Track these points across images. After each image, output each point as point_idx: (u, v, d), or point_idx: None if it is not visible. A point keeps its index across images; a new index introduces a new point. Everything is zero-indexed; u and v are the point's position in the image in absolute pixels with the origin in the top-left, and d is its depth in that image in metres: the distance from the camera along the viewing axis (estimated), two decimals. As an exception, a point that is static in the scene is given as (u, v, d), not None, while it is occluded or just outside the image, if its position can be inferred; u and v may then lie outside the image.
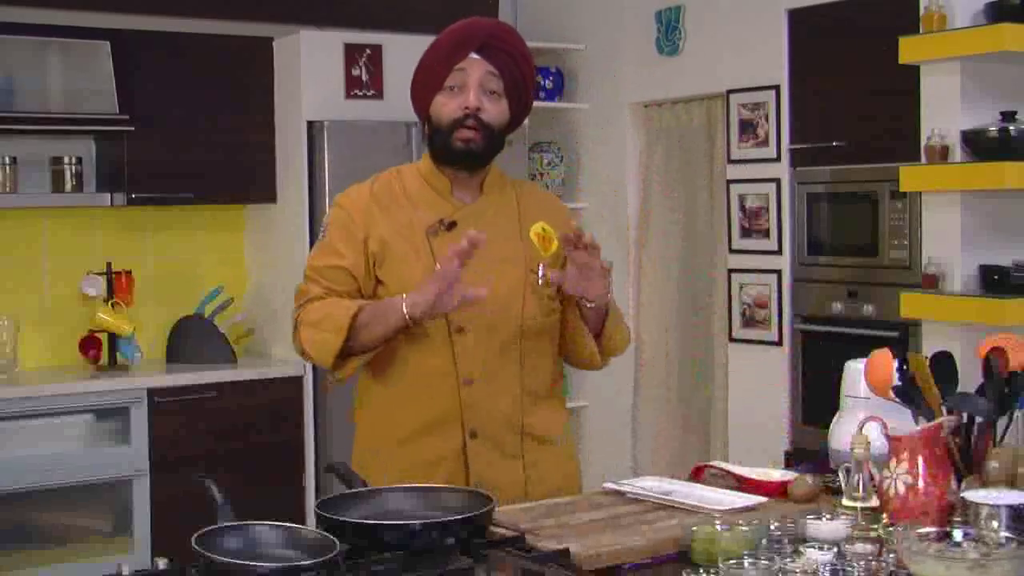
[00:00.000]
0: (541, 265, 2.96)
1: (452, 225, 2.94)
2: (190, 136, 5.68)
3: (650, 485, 2.80)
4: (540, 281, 2.95)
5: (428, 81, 2.98)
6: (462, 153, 2.94)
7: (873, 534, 2.26)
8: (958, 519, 2.26)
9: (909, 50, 4.53)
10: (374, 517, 2.40)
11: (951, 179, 4.48)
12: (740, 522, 2.32)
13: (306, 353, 2.96)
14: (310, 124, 5.68)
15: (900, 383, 2.60)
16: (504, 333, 2.94)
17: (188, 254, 6.08)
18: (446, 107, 2.94)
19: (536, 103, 6.14)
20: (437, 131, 2.97)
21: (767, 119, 5.35)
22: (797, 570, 2.08)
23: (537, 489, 2.93)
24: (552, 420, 3.05)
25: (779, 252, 5.32)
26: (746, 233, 5.47)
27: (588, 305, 2.93)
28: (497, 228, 2.96)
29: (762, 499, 2.71)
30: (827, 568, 2.09)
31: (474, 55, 2.93)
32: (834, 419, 2.91)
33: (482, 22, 3.02)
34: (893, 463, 2.40)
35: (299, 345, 2.97)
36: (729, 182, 5.55)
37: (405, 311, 2.80)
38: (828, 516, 2.34)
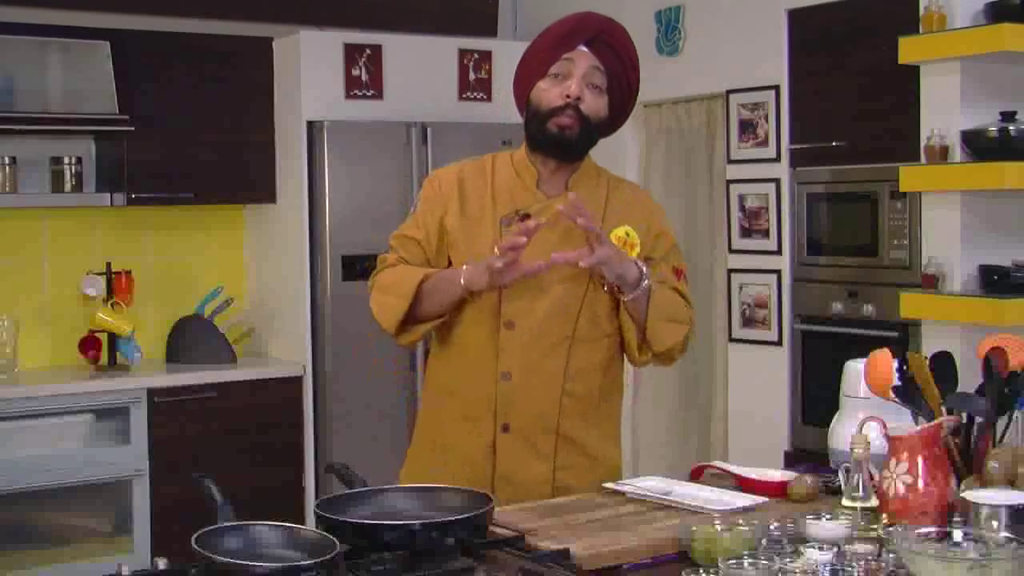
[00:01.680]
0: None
1: (526, 217, 2.90)
2: (190, 136, 5.68)
3: (650, 485, 2.80)
4: (606, 288, 2.94)
5: (533, 67, 2.99)
6: (556, 139, 2.94)
7: (873, 534, 2.26)
8: (958, 519, 2.26)
9: (909, 50, 4.53)
10: (374, 517, 2.40)
11: (951, 179, 4.48)
12: (740, 522, 2.32)
13: (375, 317, 3.01)
14: (310, 124, 5.68)
15: (900, 383, 2.60)
16: (554, 334, 2.92)
17: (188, 254, 6.08)
18: (548, 93, 2.94)
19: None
20: (535, 116, 2.96)
21: (767, 119, 5.35)
22: (797, 570, 2.08)
23: (563, 493, 2.91)
24: (598, 433, 3.02)
25: (779, 252, 5.32)
26: (746, 233, 5.47)
27: (622, 296, 2.91)
28: (573, 225, 2.90)
29: (762, 499, 2.71)
30: (827, 568, 2.09)
31: (583, 47, 2.93)
32: (834, 419, 2.91)
33: (596, 16, 3.01)
34: (893, 463, 2.40)
35: (372, 308, 3.03)
36: (729, 182, 5.55)
37: (462, 281, 2.85)
38: (828, 516, 2.34)
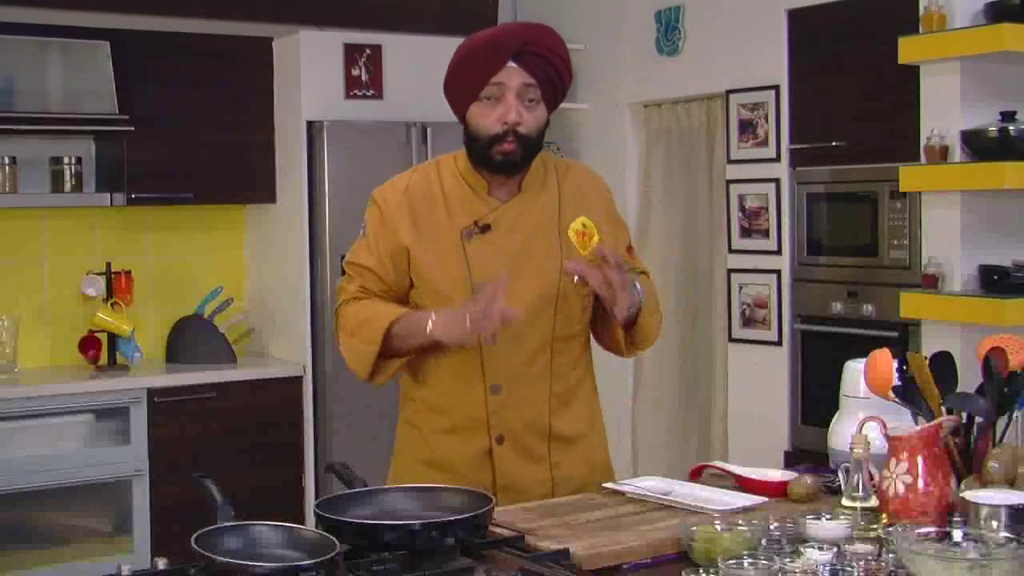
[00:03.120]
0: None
1: (487, 228, 2.90)
2: (190, 136, 5.68)
3: (650, 485, 2.80)
4: (576, 281, 2.90)
5: (462, 89, 2.90)
6: (501, 164, 2.89)
7: (872, 534, 2.26)
8: (958, 519, 2.26)
9: (909, 50, 4.53)
10: (374, 517, 2.40)
11: (951, 179, 4.48)
12: (740, 522, 2.32)
13: (347, 363, 2.97)
14: (310, 124, 5.68)
15: (900, 383, 2.60)
16: (535, 341, 2.91)
17: (188, 254, 6.08)
18: (484, 119, 2.87)
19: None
20: (475, 141, 2.90)
21: (767, 119, 5.35)
22: (797, 570, 2.08)
23: (563, 488, 2.93)
24: (580, 417, 3.03)
25: (779, 252, 5.32)
26: (746, 233, 5.47)
27: (615, 315, 2.89)
28: (534, 226, 2.92)
29: (762, 499, 2.71)
30: (827, 568, 2.09)
31: (511, 64, 2.84)
32: (834, 419, 2.91)
33: (514, 29, 2.93)
34: (893, 463, 2.40)
35: (341, 352, 2.98)
36: (729, 182, 5.55)
37: (429, 329, 2.79)
38: (828, 516, 2.34)
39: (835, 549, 2.16)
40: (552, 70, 2.88)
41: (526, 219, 2.93)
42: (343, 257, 5.54)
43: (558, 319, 2.93)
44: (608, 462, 3.12)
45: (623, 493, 2.78)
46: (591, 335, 3.09)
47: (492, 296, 2.69)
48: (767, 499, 2.71)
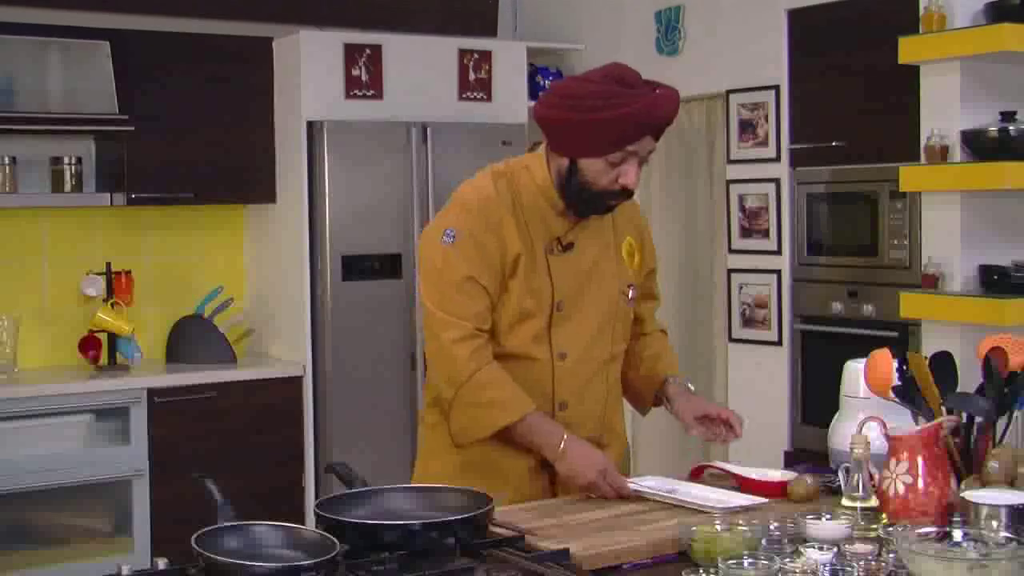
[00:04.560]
0: (631, 287, 3.03)
1: (570, 246, 2.93)
2: (190, 136, 5.68)
3: (653, 484, 2.80)
4: (630, 302, 3.02)
5: (586, 143, 2.81)
6: (603, 211, 2.93)
7: (873, 534, 2.26)
8: (958, 519, 2.26)
9: (909, 50, 4.53)
10: (374, 517, 2.40)
11: (951, 179, 4.48)
12: (740, 522, 2.32)
13: (462, 428, 2.89)
14: (310, 124, 5.68)
15: (900, 383, 2.60)
16: (598, 359, 2.99)
17: (188, 254, 6.08)
18: (602, 177, 2.82)
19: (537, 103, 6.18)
20: (582, 187, 2.84)
21: (767, 119, 5.35)
22: (797, 570, 2.08)
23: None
24: (614, 429, 3.12)
25: (779, 252, 5.32)
26: (746, 233, 5.47)
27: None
28: (601, 245, 2.99)
29: (764, 500, 2.71)
30: (827, 568, 2.09)
31: (649, 137, 2.82)
32: (834, 419, 2.92)
33: (671, 107, 2.82)
34: (893, 463, 2.41)
35: (460, 417, 2.88)
36: (729, 182, 5.55)
37: (556, 456, 2.82)
38: (828, 516, 2.34)
39: (835, 549, 2.16)
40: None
41: (596, 238, 2.98)
42: (344, 257, 5.61)
43: (614, 339, 3.02)
44: (626, 457, 3.21)
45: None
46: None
47: (621, 489, 2.77)
48: (768, 500, 2.72)
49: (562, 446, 2.82)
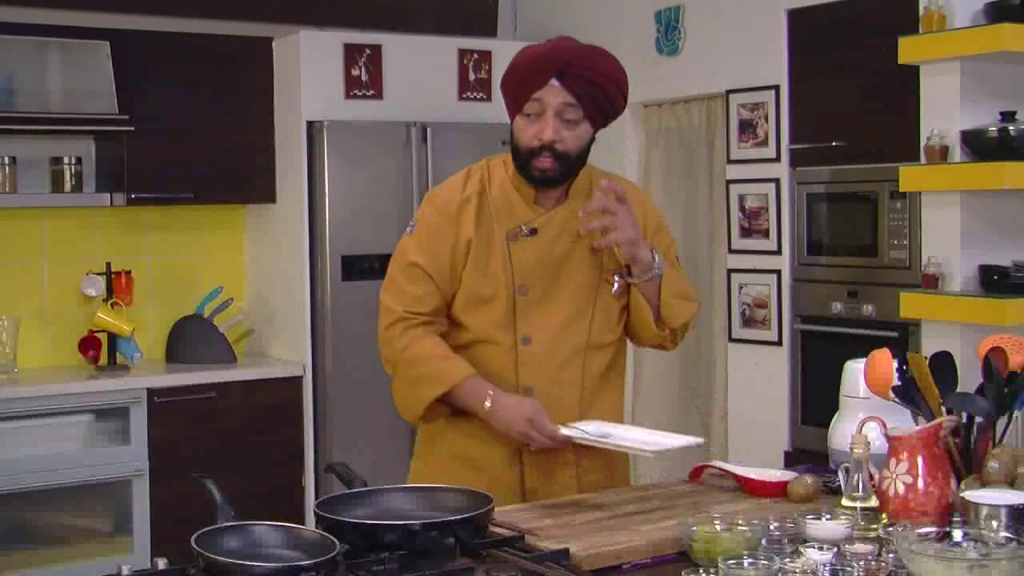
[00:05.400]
0: (618, 275, 2.98)
1: (534, 232, 2.95)
2: (190, 136, 5.68)
3: (589, 429, 2.82)
4: (615, 290, 2.99)
5: (509, 99, 2.95)
6: (538, 179, 2.94)
7: (873, 534, 2.27)
8: (957, 519, 2.26)
9: (909, 50, 4.53)
10: (374, 517, 2.40)
11: (951, 179, 4.48)
12: (740, 522, 2.32)
13: (397, 404, 3.00)
14: (310, 124, 5.68)
15: (900, 383, 2.60)
16: (569, 347, 2.97)
17: (188, 254, 6.08)
18: (524, 133, 2.92)
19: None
20: (516, 153, 2.95)
21: (767, 119, 5.35)
22: (797, 570, 2.08)
23: (588, 492, 2.93)
24: (608, 417, 3.05)
25: (779, 252, 5.32)
26: (746, 233, 5.47)
27: (634, 280, 2.95)
28: (576, 232, 2.96)
29: (696, 440, 2.78)
30: (827, 568, 2.09)
31: (553, 82, 2.86)
32: (834, 419, 2.92)
33: (562, 47, 2.91)
34: (893, 463, 2.41)
35: (394, 394, 3.00)
36: (729, 182, 5.55)
37: (484, 413, 2.86)
38: (828, 516, 2.34)
39: (835, 549, 2.17)
40: (597, 91, 2.89)
41: (570, 228, 2.97)
42: (344, 257, 5.61)
43: (594, 327, 2.99)
44: (627, 470, 3.16)
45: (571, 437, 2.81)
46: (627, 343, 3.14)
47: (553, 437, 2.78)
48: (701, 440, 2.80)
49: (488, 403, 2.84)
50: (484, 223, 2.97)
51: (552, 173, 2.92)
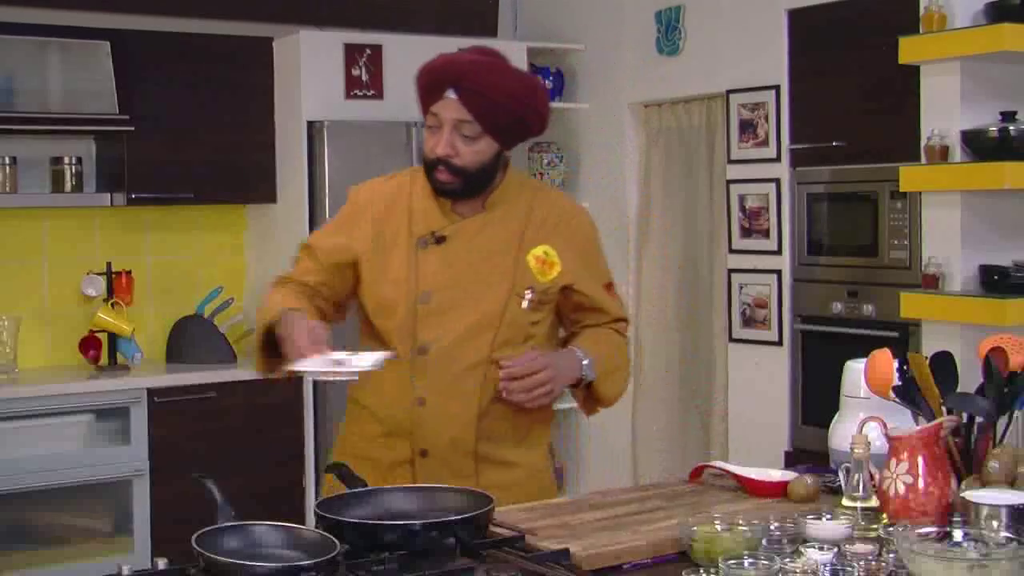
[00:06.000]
0: (530, 290, 2.91)
1: (442, 239, 2.91)
2: (190, 136, 5.68)
3: (314, 361, 2.72)
4: (525, 305, 2.91)
5: (419, 108, 2.96)
6: (439, 192, 2.91)
7: (873, 534, 2.27)
8: (958, 519, 2.26)
9: (909, 50, 4.53)
10: (374, 517, 2.40)
11: (951, 179, 4.48)
12: (740, 522, 2.32)
13: None
14: (310, 124, 5.68)
15: (900, 383, 2.60)
16: (467, 360, 2.87)
17: (188, 254, 6.08)
18: (426, 144, 2.91)
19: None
20: (422, 162, 2.94)
21: (767, 119, 5.35)
22: (797, 570, 2.08)
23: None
24: (519, 441, 2.96)
25: (779, 252, 5.32)
26: (746, 233, 5.47)
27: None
28: (491, 246, 2.91)
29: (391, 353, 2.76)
30: (827, 568, 2.09)
31: (451, 95, 2.83)
32: (834, 419, 2.91)
33: (459, 62, 2.88)
34: (893, 463, 2.41)
35: None
36: (729, 182, 5.55)
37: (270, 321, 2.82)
38: (828, 516, 2.34)
39: (835, 549, 2.16)
40: (497, 109, 2.82)
41: (484, 237, 2.92)
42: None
43: (498, 341, 2.89)
44: (551, 489, 3.04)
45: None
46: None
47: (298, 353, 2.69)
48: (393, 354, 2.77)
49: (276, 323, 2.79)
50: (394, 227, 2.93)
51: (451, 186, 2.88)
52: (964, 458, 2.51)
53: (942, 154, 4.48)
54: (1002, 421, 2.56)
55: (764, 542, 2.22)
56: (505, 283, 2.90)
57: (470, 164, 2.85)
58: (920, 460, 2.38)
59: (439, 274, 2.89)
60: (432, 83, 2.87)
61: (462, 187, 2.89)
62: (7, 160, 5.45)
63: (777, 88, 5.30)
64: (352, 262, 2.96)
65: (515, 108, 2.85)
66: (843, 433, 2.73)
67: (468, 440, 2.90)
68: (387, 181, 3.04)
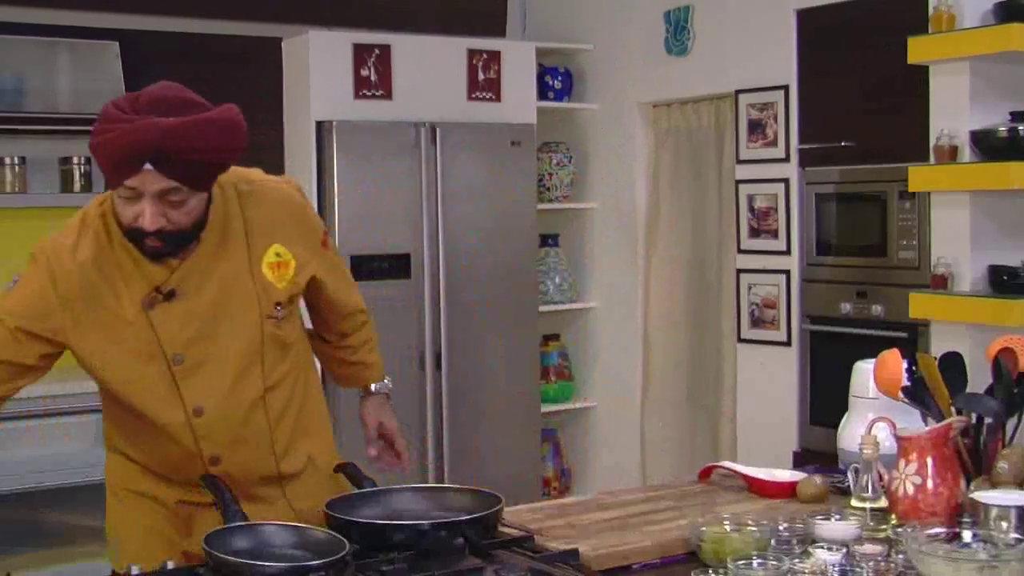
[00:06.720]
0: (278, 306, 2.70)
1: (171, 294, 2.59)
2: (198, 136, 5.68)
3: None
4: (279, 316, 2.70)
5: (103, 170, 2.50)
6: (153, 257, 2.57)
7: (882, 535, 2.26)
8: (967, 520, 2.26)
9: (918, 50, 4.52)
10: (383, 517, 2.41)
11: (960, 179, 4.47)
12: (749, 522, 2.32)
13: None
14: (319, 124, 5.68)
15: (909, 384, 2.60)
16: (246, 402, 2.68)
17: (196, 254, 6.08)
18: (123, 211, 2.51)
19: (545, 103, 6.19)
20: (120, 227, 2.55)
21: (776, 119, 5.34)
22: (806, 570, 2.08)
23: (310, 516, 2.64)
24: (309, 443, 2.88)
25: (788, 252, 5.32)
26: (755, 233, 5.46)
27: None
28: (224, 278, 2.65)
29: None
30: (836, 568, 2.09)
31: (148, 166, 2.42)
32: (843, 419, 2.91)
33: (150, 133, 2.40)
34: (902, 464, 2.40)
35: None
36: (738, 182, 5.55)
37: None
38: (837, 516, 2.34)
39: (844, 549, 2.16)
40: (199, 167, 2.49)
41: (213, 273, 2.64)
42: (353, 257, 5.61)
43: (267, 368, 2.70)
44: (333, 456, 2.95)
45: None
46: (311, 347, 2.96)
47: None
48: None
49: None
50: (106, 292, 2.59)
51: (166, 250, 2.55)
52: (973, 459, 2.51)
53: (951, 154, 4.47)
54: (1011, 422, 2.56)
55: (773, 542, 2.22)
56: (252, 312, 2.67)
57: (185, 224, 2.53)
58: (929, 461, 2.38)
59: (182, 329, 2.60)
60: (123, 160, 2.42)
61: (178, 246, 2.57)
62: (16, 160, 5.45)
63: (786, 88, 5.29)
64: (59, 348, 2.65)
65: (219, 159, 2.54)
66: (852, 433, 2.73)
67: (270, 470, 2.77)
68: (80, 236, 2.62)
